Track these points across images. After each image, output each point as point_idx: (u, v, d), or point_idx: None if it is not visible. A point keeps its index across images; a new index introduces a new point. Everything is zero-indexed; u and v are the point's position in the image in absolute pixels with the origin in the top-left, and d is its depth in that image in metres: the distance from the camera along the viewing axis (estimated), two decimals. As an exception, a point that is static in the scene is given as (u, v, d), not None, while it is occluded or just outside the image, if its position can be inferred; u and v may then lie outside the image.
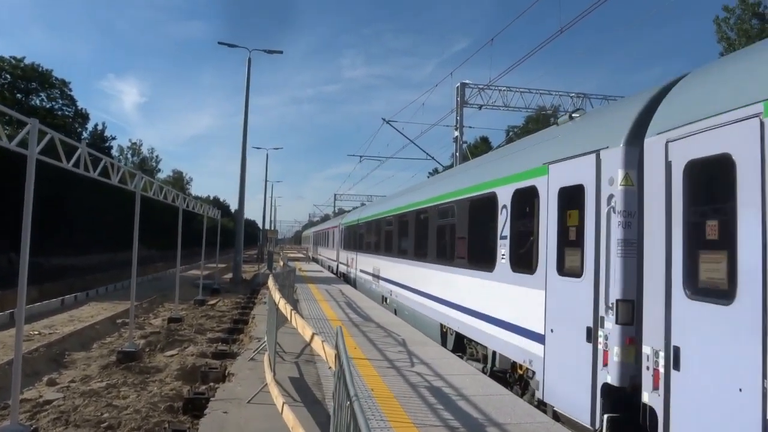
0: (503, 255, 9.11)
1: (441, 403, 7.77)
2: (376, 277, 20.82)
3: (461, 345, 11.71)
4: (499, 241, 9.27)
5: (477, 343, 10.69)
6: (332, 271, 39.41)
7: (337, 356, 4.42)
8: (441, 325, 12.84)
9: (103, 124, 75.78)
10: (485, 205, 10.09)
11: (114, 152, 71.74)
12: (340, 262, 35.11)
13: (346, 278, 31.67)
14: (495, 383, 9.09)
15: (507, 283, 8.95)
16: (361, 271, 24.97)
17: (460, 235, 11.69)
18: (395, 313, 17.31)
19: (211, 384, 10.46)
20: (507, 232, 9.08)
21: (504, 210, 9.21)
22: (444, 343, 12.53)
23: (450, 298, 11.85)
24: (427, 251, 14.00)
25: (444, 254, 12.82)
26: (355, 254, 27.48)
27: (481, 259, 10.23)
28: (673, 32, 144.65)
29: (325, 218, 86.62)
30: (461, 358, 11.17)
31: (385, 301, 19.38)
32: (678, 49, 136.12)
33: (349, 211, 44.68)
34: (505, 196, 9.22)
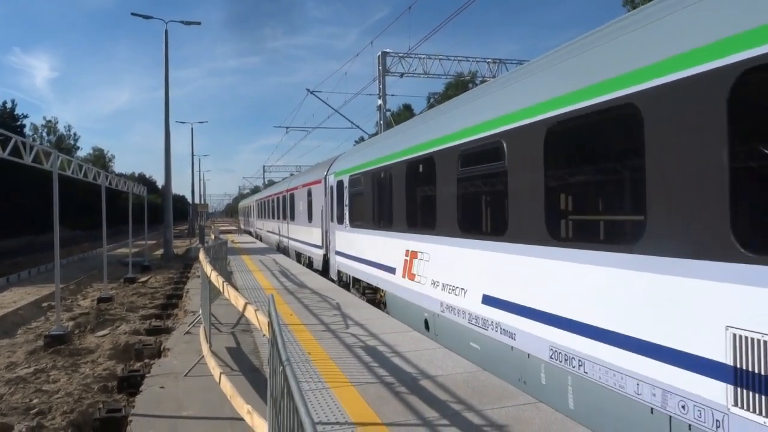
0: None
1: (376, 361, 8.03)
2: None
3: None
4: None
5: None
6: (309, 266, 21.86)
7: (270, 323, 4.50)
8: None
9: (13, 101, 70.91)
10: None
11: (27, 131, 67.88)
12: (342, 254, 16.35)
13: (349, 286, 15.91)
14: (427, 339, 9.43)
15: None
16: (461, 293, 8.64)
17: None
18: None
19: (147, 361, 10.35)
20: None
21: None
22: None
23: None
24: None
25: None
26: (426, 242, 10.11)
27: None
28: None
29: (256, 190, 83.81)
30: None
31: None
32: (588, 13, 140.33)
33: (339, 156, 19.57)
34: None
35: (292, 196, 27.12)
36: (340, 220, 16.33)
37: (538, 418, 5.77)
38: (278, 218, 33.07)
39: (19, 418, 7.88)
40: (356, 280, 15.11)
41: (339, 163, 17.74)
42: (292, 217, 26.94)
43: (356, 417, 5.94)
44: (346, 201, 15.65)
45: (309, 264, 22.17)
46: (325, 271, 19.05)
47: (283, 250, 30.80)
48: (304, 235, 23.22)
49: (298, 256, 25.54)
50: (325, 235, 18.77)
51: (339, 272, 16.91)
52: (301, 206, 23.94)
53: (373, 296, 13.94)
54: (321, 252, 19.41)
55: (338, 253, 16.80)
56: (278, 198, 32.92)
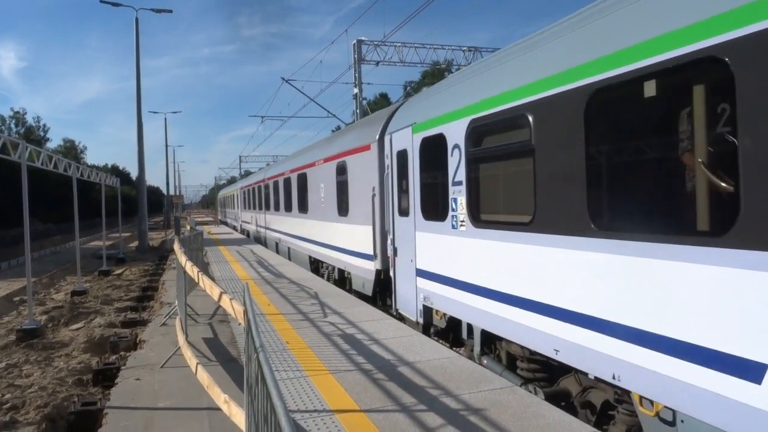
0: None
1: (354, 349, 8.03)
2: None
3: None
4: None
5: None
6: (339, 283, 14.79)
7: (245, 312, 4.48)
8: None
9: (-22, 91, 69.26)
10: None
11: (-6, 122, 66.37)
12: (439, 278, 8.77)
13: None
14: (405, 326, 9.45)
15: None
16: None
17: None
18: None
19: (122, 353, 10.24)
20: None
21: None
22: None
23: None
24: None
25: None
26: None
27: None
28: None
29: (232, 180, 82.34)
30: None
31: None
32: (561, 2, 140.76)
33: (404, 103, 11.81)
34: None
35: (302, 178, 18.89)
36: (432, 214, 8.96)
37: (515, 402, 5.82)
38: (276, 209, 24.60)
39: (-9, 414, 7.76)
40: (488, 337, 7.71)
41: (420, 107, 9.82)
42: (303, 208, 18.78)
43: (334, 404, 5.94)
44: (459, 175, 7.98)
45: (340, 281, 14.80)
46: (374, 296, 12.23)
47: (286, 253, 22.84)
48: (332, 235, 15.12)
49: (316, 266, 17.71)
50: (382, 239, 11.49)
51: (428, 309, 9.41)
52: (322, 191, 16.19)
53: (547, 378, 6.94)
54: (372, 265, 11.88)
55: (425, 275, 9.27)
56: (277, 182, 24.06)
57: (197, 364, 7.24)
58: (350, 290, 13.63)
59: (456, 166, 8.07)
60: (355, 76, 27.48)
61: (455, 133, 8.09)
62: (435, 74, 46.62)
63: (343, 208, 14.09)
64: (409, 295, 9.99)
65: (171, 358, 8.43)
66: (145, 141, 33.32)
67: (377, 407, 5.81)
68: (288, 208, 21.71)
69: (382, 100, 63.22)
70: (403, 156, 10.15)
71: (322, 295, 12.56)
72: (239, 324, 5.25)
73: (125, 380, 7.82)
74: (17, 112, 79.69)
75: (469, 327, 8.21)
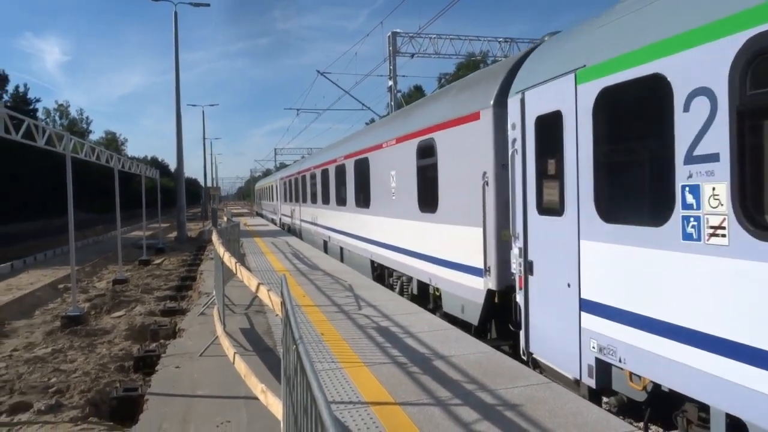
0: None
1: (388, 342, 8.05)
2: None
3: None
4: None
5: None
6: (418, 299, 11.42)
7: (283, 303, 4.52)
8: None
9: (25, 85, 71.50)
10: None
11: (40, 115, 68.60)
12: None
13: None
14: (440, 320, 9.42)
15: None
16: None
17: None
18: None
19: (162, 341, 10.45)
20: None
21: None
22: None
23: None
24: None
25: None
26: None
27: None
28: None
29: (267, 173, 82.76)
30: None
31: None
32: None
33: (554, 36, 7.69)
34: None
35: (362, 165, 15.39)
36: (624, 214, 5.50)
37: (551, 398, 5.76)
38: (325, 203, 21.18)
39: (38, 397, 8.00)
40: None
41: (594, 39, 6.12)
42: (363, 202, 15.45)
43: (369, 396, 5.96)
44: (708, 144, 4.49)
45: (420, 297, 11.60)
46: (482, 329, 9.12)
47: (337, 254, 19.50)
48: (410, 237, 11.77)
49: (381, 272, 14.51)
50: (500, 247, 8.20)
51: (606, 367, 5.90)
52: (394, 180, 12.77)
53: None
54: (480, 283, 8.65)
55: (603, 311, 5.77)
56: (327, 171, 20.58)
57: (234, 353, 7.35)
58: (436, 310, 10.50)
59: (701, 127, 4.59)
60: (389, 69, 27.47)
61: (699, 69, 4.60)
62: (470, 66, 46.32)
63: (428, 202, 10.76)
64: (564, 337, 6.50)
65: (209, 347, 8.59)
66: (182, 134, 33.87)
67: (412, 400, 5.82)
68: (341, 201, 18.30)
69: (417, 93, 63.09)
70: (550, 122, 6.75)
71: (356, 287, 12.62)
72: (276, 315, 5.30)
73: (165, 368, 8.00)
74: (61, 105, 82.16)
75: (733, 420, 4.47)
